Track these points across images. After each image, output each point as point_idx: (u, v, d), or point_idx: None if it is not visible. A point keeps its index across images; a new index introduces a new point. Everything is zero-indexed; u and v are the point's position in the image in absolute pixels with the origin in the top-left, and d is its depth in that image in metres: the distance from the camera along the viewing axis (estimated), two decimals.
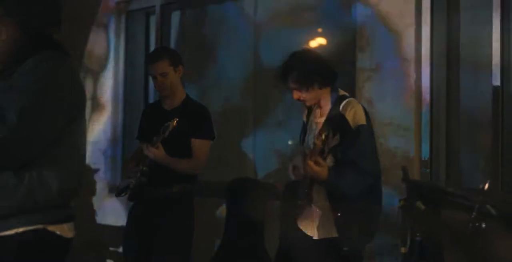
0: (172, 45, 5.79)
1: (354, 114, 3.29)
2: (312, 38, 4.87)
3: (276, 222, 3.71)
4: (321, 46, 4.83)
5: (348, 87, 3.98)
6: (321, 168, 3.22)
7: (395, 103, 4.25)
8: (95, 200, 6.06)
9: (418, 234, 3.22)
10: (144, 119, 4.27)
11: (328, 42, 4.84)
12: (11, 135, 2.18)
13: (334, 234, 3.30)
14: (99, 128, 6.07)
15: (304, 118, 3.61)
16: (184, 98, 4.10)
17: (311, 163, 3.21)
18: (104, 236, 5.93)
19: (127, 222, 4.19)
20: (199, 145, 3.99)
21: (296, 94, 3.40)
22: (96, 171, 6.03)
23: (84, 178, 2.53)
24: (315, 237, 3.37)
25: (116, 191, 4.18)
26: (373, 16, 4.35)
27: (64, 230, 2.38)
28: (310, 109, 3.56)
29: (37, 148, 2.27)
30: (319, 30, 4.94)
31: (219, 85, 5.57)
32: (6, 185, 2.28)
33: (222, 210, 5.00)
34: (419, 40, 4.19)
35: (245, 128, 5.37)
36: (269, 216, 4.40)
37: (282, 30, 5.04)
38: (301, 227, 3.43)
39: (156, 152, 3.85)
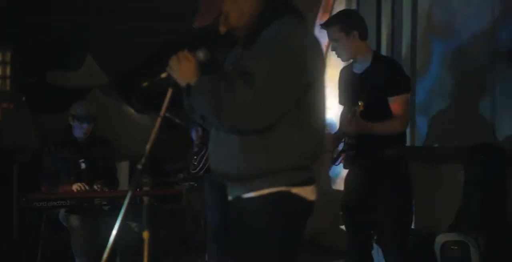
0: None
1: None
2: None
3: None
4: None
5: None
6: None
7: None
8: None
9: None
10: (341, 83, 4.16)
11: None
12: (257, 99, 2.25)
13: None
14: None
15: None
16: (372, 57, 3.94)
17: None
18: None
19: (344, 191, 4.09)
20: (397, 102, 3.81)
21: None
22: None
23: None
24: None
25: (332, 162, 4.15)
26: None
27: (307, 192, 2.42)
28: None
29: (280, 111, 2.31)
30: None
31: None
32: (249, 147, 2.35)
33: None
34: None
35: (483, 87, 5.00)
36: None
37: None
38: None
39: (352, 129, 3.76)
